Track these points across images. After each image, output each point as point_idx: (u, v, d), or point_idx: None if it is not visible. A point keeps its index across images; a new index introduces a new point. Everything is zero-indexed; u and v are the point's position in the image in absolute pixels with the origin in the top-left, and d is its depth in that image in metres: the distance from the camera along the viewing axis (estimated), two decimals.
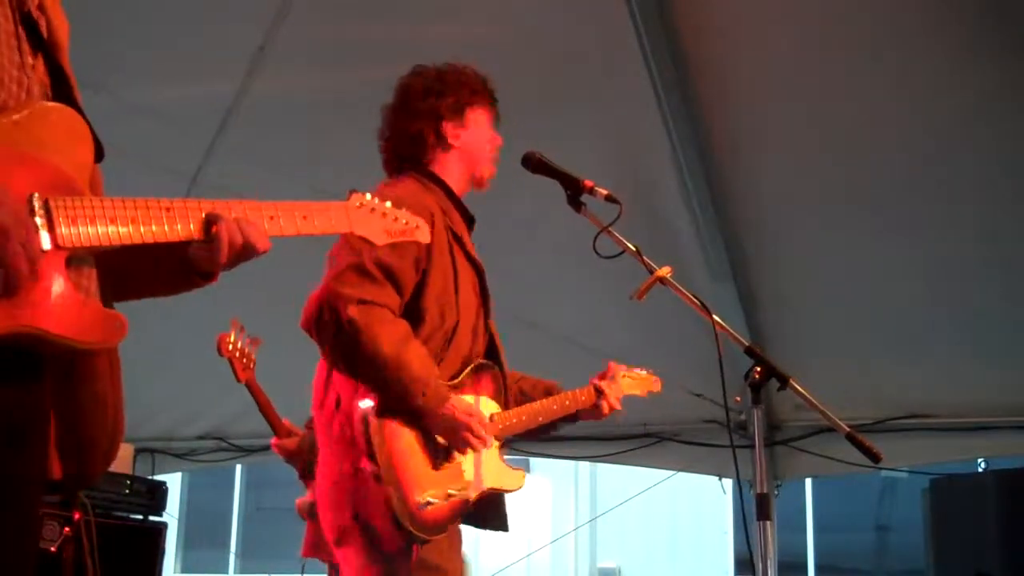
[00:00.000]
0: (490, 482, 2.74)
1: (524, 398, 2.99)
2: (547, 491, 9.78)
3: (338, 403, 2.61)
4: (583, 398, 3.08)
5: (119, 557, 4.73)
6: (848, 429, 2.62)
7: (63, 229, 1.44)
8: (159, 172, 4.59)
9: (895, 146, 4.42)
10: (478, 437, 2.62)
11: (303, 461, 3.92)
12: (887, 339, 5.01)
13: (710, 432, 5.43)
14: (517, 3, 4.33)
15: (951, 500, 4.83)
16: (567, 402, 3.03)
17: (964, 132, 4.25)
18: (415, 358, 2.53)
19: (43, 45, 1.59)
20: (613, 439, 5.70)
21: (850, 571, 10.17)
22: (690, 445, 5.58)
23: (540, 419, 2.94)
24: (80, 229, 1.47)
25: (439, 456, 2.61)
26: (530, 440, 3.70)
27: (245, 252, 1.65)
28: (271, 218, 1.70)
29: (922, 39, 4.02)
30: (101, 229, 1.49)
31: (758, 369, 2.61)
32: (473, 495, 2.69)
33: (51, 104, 1.54)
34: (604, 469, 9.23)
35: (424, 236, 2.08)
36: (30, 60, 1.56)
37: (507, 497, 2.83)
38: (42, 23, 1.60)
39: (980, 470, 5.18)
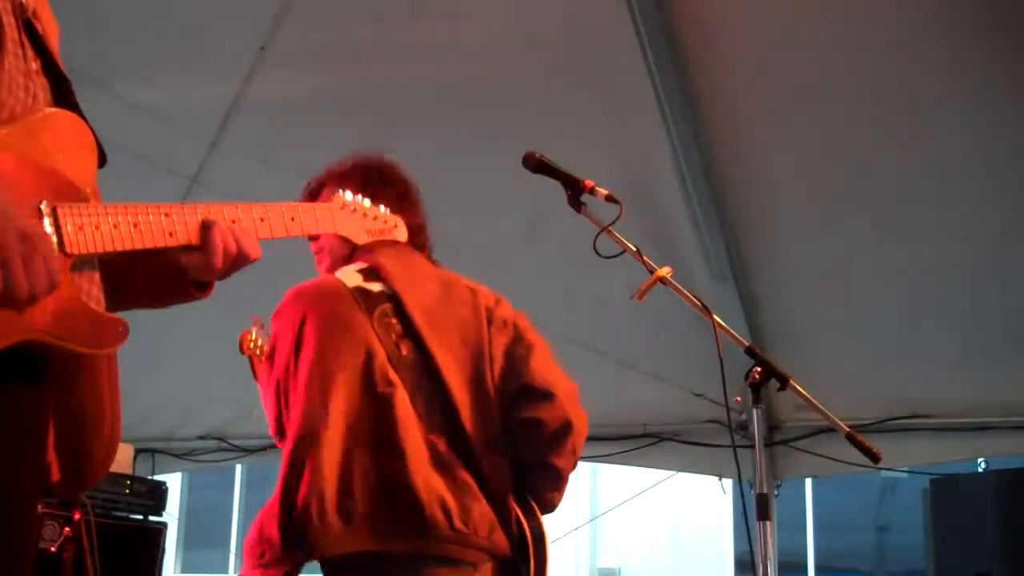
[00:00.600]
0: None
1: None
2: None
3: None
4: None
5: (119, 557, 4.73)
6: (848, 429, 2.62)
7: (71, 236, 1.47)
8: (159, 172, 4.60)
9: (895, 146, 4.42)
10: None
11: None
12: (887, 339, 5.01)
13: (710, 432, 5.42)
14: (517, 3, 4.33)
15: (951, 500, 4.82)
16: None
17: (964, 132, 4.26)
18: None
19: (43, 51, 1.60)
20: (613, 439, 5.70)
21: (850, 571, 10.17)
22: (690, 445, 5.57)
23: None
24: (87, 235, 1.48)
25: None
26: None
27: (239, 260, 1.68)
28: (261, 219, 1.73)
29: (921, 40, 4.03)
30: (107, 235, 1.51)
31: (758, 369, 2.60)
32: None
33: (58, 111, 1.56)
34: (604, 469, 9.22)
35: (402, 234, 2.14)
36: (33, 66, 1.57)
37: None
38: (39, 28, 1.62)
39: (980, 470, 5.17)
